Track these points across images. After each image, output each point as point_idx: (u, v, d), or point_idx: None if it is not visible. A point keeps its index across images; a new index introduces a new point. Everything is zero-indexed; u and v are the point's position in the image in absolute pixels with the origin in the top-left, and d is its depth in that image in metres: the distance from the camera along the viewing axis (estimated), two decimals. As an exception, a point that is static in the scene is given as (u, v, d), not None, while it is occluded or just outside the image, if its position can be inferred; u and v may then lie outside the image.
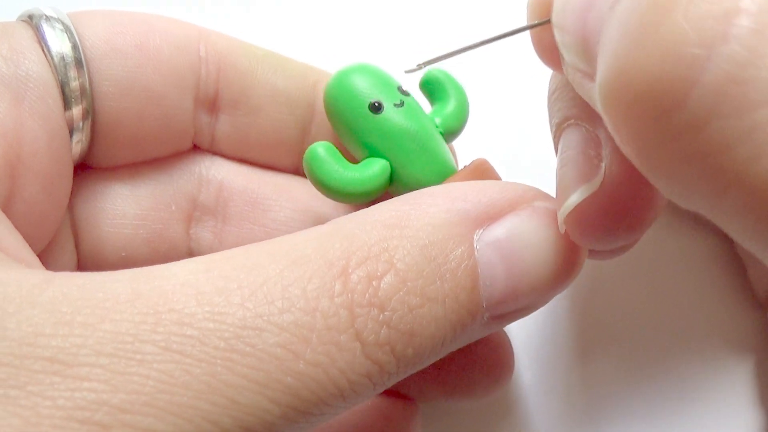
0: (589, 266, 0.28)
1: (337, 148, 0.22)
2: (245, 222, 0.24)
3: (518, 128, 0.29)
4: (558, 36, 0.17)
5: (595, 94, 0.15)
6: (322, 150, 0.21)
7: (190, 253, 0.24)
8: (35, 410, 0.14)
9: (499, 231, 0.18)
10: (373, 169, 0.22)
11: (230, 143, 0.24)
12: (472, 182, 0.19)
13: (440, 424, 0.26)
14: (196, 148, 0.24)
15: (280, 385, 0.15)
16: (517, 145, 0.29)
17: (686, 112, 0.13)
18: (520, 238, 0.18)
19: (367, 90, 0.22)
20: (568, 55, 0.17)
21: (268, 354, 0.15)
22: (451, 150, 0.24)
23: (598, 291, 0.28)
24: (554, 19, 0.17)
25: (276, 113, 0.24)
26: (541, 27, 0.18)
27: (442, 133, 0.23)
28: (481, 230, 0.18)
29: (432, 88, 0.23)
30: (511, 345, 0.24)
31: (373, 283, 0.16)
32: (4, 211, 0.19)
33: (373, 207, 0.18)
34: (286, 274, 0.16)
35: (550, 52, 0.18)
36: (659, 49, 0.13)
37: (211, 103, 0.24)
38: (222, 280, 0.16)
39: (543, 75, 0.21)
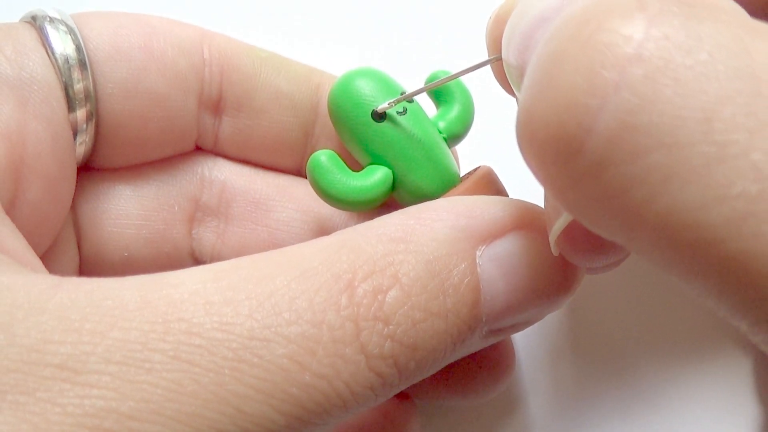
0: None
1: (340, 152, 0.22)
2: (248, 222, 0.24)
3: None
4: (506, 70, 0.18)
5: None
6: (324, 158, 0.22)
7: (193, 254, 0.24)
8: (44, 417, 0.14)
9: (501, 248, 0.18)
10: (375, 178, 0.22)
11: (233, 145, 0.24)
12: (477, 197, 0.19)
13: (440, 423, 0.27)
14: (198, 149, 0.25)
15: (286, 396, 0.15)
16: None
17: (585, 159, 0.13)
18: (521, 255, 0.18)
19: (369, 97, 0.21)
20: (515, 89, 0.17)
21: (275, 365, 0.15)
22: (453, 154, 0.24)
23: (598, 289, 0.28)
24: (502, 54, 0.17)
25: (279, 115, 0.24)
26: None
27: (445, 139, 0.23)
28: (484, 246, 0.18)
29: (438, 90, 0.23)
30: (512, 344, 0.24)
31: (379, 297, 0.16)
32: (8, 214, 0.19)
33: (378, 219, 0.18)
34: (293, 286, 0.16)
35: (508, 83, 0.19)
36: (556, 101, 0.14)
37: (214, 105, 0.24)
38: (230, 291, 0.16)
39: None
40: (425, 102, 0.23)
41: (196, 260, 0.25)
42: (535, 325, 0.24)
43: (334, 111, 0.22)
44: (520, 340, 0.27)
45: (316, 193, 0.22)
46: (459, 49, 0.30)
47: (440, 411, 0.27)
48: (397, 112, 0.22)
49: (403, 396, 0.24)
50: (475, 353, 0.23)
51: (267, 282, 0.16)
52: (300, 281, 0.16)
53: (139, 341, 0.15)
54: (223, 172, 0.24)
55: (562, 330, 0.27)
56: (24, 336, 0.15)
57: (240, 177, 0.25)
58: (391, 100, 0.21)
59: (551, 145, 0.14)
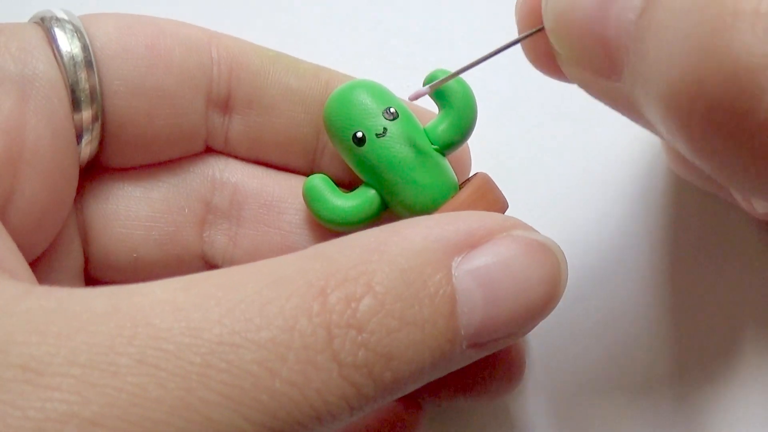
0: (595, 267, 0.27)
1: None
2: (260, 225, 0.24)
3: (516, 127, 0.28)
4: (558, 43, 0.17)
5: (628, 94, 0.16)
6: (316, 182, 0.23)
7: (204, 257, 0.24)
8: (3, 421, 0.14)
9: (477, 259, 0.18)
10: (361, 200, 0.22)
11: (244, 144, 0.24)
12: (453, 213, 0.19)
13: (439, 424, 0.26)
14: (209, 150, 0.24)
15: (255, 403, 0.15)
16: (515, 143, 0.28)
17: (760, 115, 0.14)
18: (498, 267, 0.18)
19: (350, 119, 0.22)
20: (574, 61, 0.17)
21: (244, 371, 0.15)
22: (464, 153, 0.24)
23: (604, 291, 0.27)
24: (552, 26, 0.17)
25: (290, 112, 0.24)
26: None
27: (438, 150, 0.22)
28: (460, 258, 0.18)
29: (439, 91, 0.22)
30: (525, 343, 0.24)
31: (352, 304, 0.16)
32: (4, 208, 0.19)
33: (355, 233, 0.18)
34: (265, 293, 0.16)
35: (545, 58, 0.19)
36: (731, 61, 0.14)
37: (223, 104, 0.23)
38: (200, 298, 0.15)
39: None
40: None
41: (208, 263, 0.24)
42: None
43: (326, 131, 0.22)
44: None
45: (312, 214, 0.23)
46: (462, 47, 0.29)
47: (440, 411, 0.26)
48: (377, 135, 0.21)
49: (410, 401, 0.23)
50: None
51: (238, 289, 0.16)
52: (271, 288, 0.16)
53: (105, 344, 0.14)
54: (234, 174, 0.24)
55: (563, 331, 0.27)
56: None
57: (252, 178, 0.24)
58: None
59: (723, 106, 0.14)
